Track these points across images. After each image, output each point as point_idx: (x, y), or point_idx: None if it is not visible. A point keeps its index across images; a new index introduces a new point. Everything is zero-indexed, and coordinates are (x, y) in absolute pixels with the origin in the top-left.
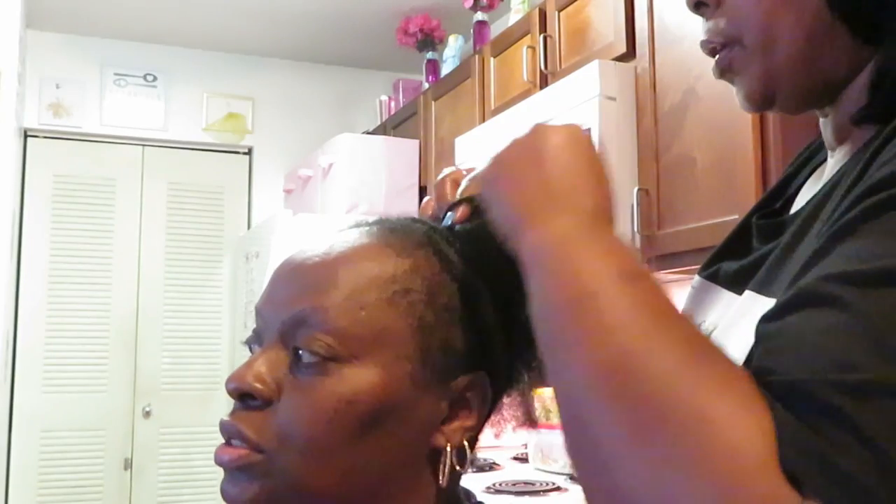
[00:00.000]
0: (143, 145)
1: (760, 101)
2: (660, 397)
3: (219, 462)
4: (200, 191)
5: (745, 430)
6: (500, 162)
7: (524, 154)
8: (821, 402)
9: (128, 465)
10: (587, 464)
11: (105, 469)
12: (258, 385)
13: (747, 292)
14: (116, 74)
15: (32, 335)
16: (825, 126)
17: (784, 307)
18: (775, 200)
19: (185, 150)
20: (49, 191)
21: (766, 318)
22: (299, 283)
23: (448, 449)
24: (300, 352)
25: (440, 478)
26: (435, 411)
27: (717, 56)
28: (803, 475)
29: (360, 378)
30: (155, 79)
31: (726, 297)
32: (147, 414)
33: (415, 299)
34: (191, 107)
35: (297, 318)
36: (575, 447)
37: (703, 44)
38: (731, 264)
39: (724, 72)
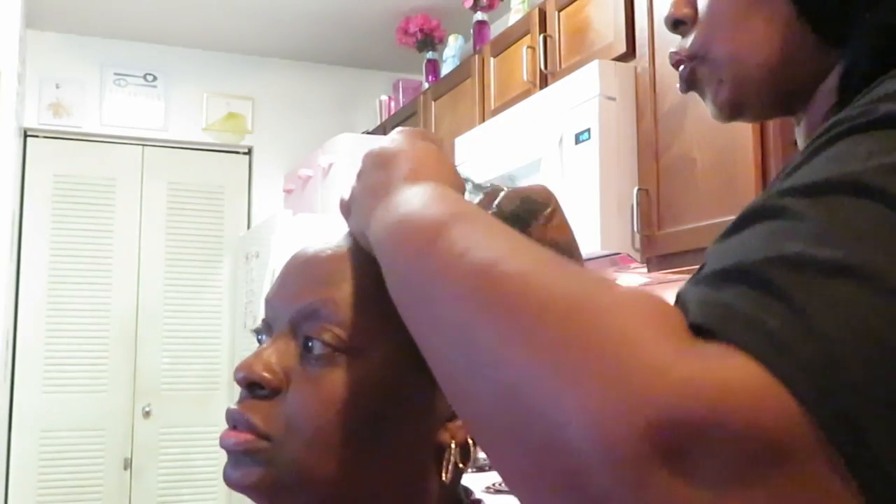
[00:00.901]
0: (143, 145)
1: (730, 111)
2: (534, 291)
3: (224, 445)
4: (200, 191)
5: (631, 305)
6: (350, 199)
7: (361, 179)
8: (747, 273)
9: (128, 465)
10: (471, 389)
11: (105, 469)
12: (267, 374)
13: None
14: (116, 74)
15: (32, 335)
16: (798, 133)
17: (732, 226)
18: None
19: (185, 150)
20: (49, 191)
21: (717, 238)
22: (310, 275)
23: (452, 445)
24: (310, 343)
25: (443, 474)
26: (441, 407)
27: (681, 68)
28: (716, 326)
29: (369, 370)
30: (155, 79)
31: None
32: (147, 414)
33: None
34: (191, 107)
35: (307, 309)
36: (456, 380)
37: (671, 55)
38: None
39: (689, 84)
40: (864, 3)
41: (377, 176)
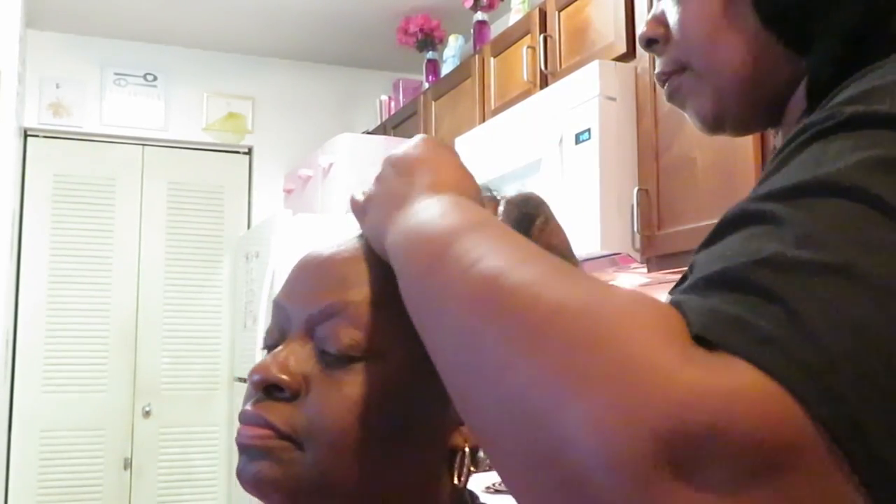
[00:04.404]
0: (143, 145)
1: (712, 123)
2: (540, 300)
3: (241, 440)
4: (200, 191)
5: (637, 314)
6: (366, 202)
7: (381, 184)
8: (737, 278)
9: (127, 464)
10: (477, 394)
11: (105, 469)
12: (285, 377)
13: None
14: (116, 74)
15: (32, 335)
16: (777, 143)
17: (713, 233)
18: None
19: (185, 150)
20: (49, 191)
21: (699, 248)
22: (326, 277)
23: (466, 449)
24: (328, 346)
25: (457, 477)
26: (454, 410)
27: (667, 81)
28: (717, 337)
29: (388, 373)
30: (155, 79)
31: None
32: (147, 414)
33: None
34: (191, 107)
35: (325, 312)
36: (463, 386)
37: (658, 76)
38: None
39: (672, 95)
40: (821, 10)
41: (397, 183)
